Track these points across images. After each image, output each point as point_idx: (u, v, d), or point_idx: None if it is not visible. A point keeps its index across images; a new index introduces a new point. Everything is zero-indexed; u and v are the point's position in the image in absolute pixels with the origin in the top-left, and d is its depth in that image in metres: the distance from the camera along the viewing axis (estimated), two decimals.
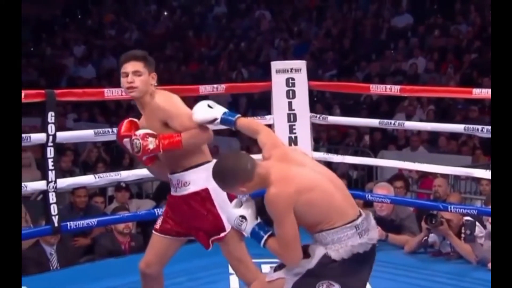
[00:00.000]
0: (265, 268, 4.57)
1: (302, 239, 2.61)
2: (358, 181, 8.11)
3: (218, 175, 2.61)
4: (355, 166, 8.27)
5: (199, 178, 3.09)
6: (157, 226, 3.26)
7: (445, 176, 6.10)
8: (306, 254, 2.62)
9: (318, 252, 2.59)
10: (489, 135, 4.69)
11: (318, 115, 5.38)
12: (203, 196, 3.11)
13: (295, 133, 5.15)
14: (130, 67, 3.09)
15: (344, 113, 9.48)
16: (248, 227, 2.62)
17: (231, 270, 4.49)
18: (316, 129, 9.06)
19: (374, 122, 5.48)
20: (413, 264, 4.83)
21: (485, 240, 4.73)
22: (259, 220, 2.63)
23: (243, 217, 2.62)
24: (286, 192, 2.51)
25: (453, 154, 8.79)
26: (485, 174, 4.94)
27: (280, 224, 2.51)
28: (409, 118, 9.78)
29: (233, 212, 2.66)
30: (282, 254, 2.57)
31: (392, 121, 5.37)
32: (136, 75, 3.08)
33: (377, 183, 5.73)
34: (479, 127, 4.66)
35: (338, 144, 9.74)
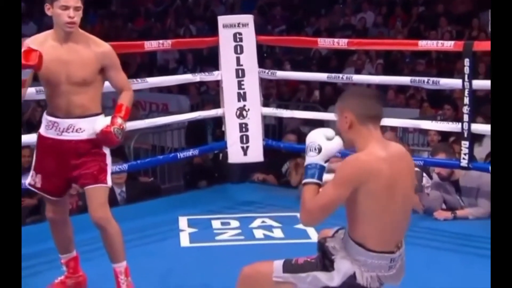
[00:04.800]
0: (216, 223, 4.62)
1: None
2: None
3: (353, 91, 2.51)
4: (306, 121, 8.29)
5: (91, 127, 3.14)
6: (39, 184, 3.24)
7: (393, 129, 6.18)
8: (328, 263, 2.40)
9: (346, 270, 2.36)
10: (435, 87, 4.75)
11: (267, 70, 5.35)
12: (95, 143, 3.14)
13: (243, 88, 5.11)
14: (72, 1, 3.04)
15: (294, 69, 9.46)
16: (313, 158, 2.38)
17: (181, 227, 4.54)
18: (266, 85, 9.06)
19: (322, 76, 5.48)
20: None
21: (431, 190, 4.84)
22: (325, 164, 2.39)
23: (320, 147, 2.38)
24: (366, 166, 2.29)
25: (401, 107, 8.89)
26: (432, 125, 5.02)
27: (333, 185, 2.30)
28: (358, 72, 9.84)
29: (319, 136, 2.41)
30: (307, 208, 2.33)
31: (341, 75, 5.37)
32: (76, 10, 3.05)
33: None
34: (425, 79, 4.71)
35: (289, 100, 9.74)
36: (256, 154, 5.20)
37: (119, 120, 3.15)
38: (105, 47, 3.19)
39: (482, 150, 6.40)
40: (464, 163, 4.39)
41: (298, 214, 4.65)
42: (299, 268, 2.43)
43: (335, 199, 2.31)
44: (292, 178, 5.77)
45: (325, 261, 2.40)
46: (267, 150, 5.32)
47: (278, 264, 2.46)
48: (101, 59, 3.14)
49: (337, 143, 2.42)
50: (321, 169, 2.38)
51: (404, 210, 2.40)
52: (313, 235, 4.36)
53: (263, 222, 4.66)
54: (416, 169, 4.74)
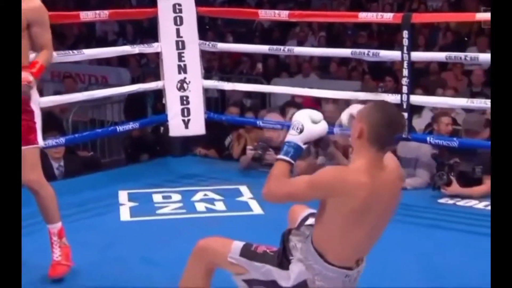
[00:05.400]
0: (157, 197, 4.57)
1: None
2: (251, 109, 8.11)
3: (383, 110, 2.30)
4: (249, 94, 8.26)
5: None
6: None
7: (336, 101, 6.21)
8: (285, 262, 2.37)
9: (299, 275, 2.34)
10: (375, 59, 4.79)
11: (207, 42, 5.27)
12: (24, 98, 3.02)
13: (184, 61, 5.04)
14: None
15: (236, 41, 9.38)
16: (293, 136, 2.35)
17: (121, 201, 4.47)
18: (208, 57, 8.96)
19: (264, 48, 5.45)
20: None
21: None
22: (304, 146, 2.36)
23: (302, 128, 2.35)
24: (346, 182, 2.22)
25: (343, 79, 8.95)
26: (372, 97, 5.05)
27: (308, 182, 2.25)
28: (300, 44, 9.83)
29: (305, 117, 2.37)
30: (272, 186, 2.32)
31: (282, 47, 5.35)
32: None
33: (269, 110, 5.77)
34: (365, 51, 4.74)
35: (231, 73, 9.68)
36: (197, 127, 5.16)
37: (28, 76, 3.00)
38: (34, 2, 3.10)
39: (421, 122, 6.52)
40: (403, 134, 4.44)
41: (240, 187, 4.78)
42: (256, 257, 2.40)
43: (301, 195, 2.30)
44: (234, 149, 5.74)
45: (283, 258, 2.38)
46: (210, 123, 5.28)
47: (237, 245, 2.44)
48: (28, 15, 3.04)
49: (321, 128, 2.39)
50: (297, 150, 2.35)
51: (372, 236, 2.36)
52: (255, 208, 4.38)
53: (205, 195, 4.63)
54: None
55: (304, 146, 2.36)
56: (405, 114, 4.42)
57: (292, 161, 2.34)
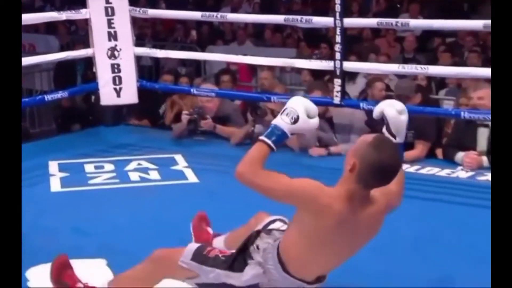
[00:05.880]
0: (89, 167, 4.46)
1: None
2: (186, 75, 8.00)
3: (384, 152, 2.18)
4: (183, 62, 8.15)
5: None
6: None
7: (271, 69, 6.19)
8: (240, 265, 2.32)
9: (253, 277, 2.30)
10: (308, 25, 4.76)
11: (138, 9, 5.13)
12: None
13: (114, 27, 4.90)
14: None
15: (170, 8, 9.19)
16: (284, 123, 2.27)
17: (51, 171, 4.35)
18: (141, 24, 8.78)
19: (196, 15, 5.35)
20: (240, 155, 4.84)
21: None
22: (288, 132, 2.28)
23: (296, 120, 2.27)
24: (321, 199, 2.17)
25: (278, 47, 8.93)
26: (306, 64, 5.05)
27: (287, 185, 2.20)
28: (234, 11, 9.75)
29: (302, 109, 2.29)
30: (247, 170, 2.22)
31: (215, 14, 5.26)
32: None
33: (204, 79, 5.70)
34: (299, 17, 4.71)
35: (165, 40, 9.52)
36: (130, 95, 5.05)
37: None
38: None
39: (356, 88, 6.58)
40: (336, 100, 4.46)
41: (175, 156, 4.71)
42: (207, 261, 2.36)
43: (274, 195, 2.23)
44: (167, 116, 5.64)
45: (236, 262, 2.33)
46: (144, 93, 5.17)
47: (190, 249, 2.39)
48: None
49: (313, 124, 2.33)
50: (282, 137, 2.28)
51: (340, 258, 2.33)
52: (190, 176, 4.34)
53: (138, 164, 4.55)
54: None
55: (290, 136, 2.30)
56: (339, 81, 4.44)
57: (274, 147, 2.27)
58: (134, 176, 4.34)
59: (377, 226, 2.32)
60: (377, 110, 2.53)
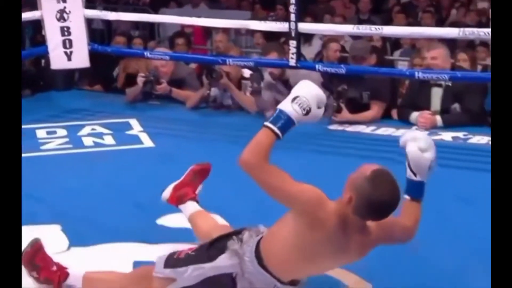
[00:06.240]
0: (40, 133, 4.36)
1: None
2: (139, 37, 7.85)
3: (373, 175, 2.11)
4: (136, 25, 7.98)
5: None
6: None
7: (226, 31, 6.11)
8: (214, 254, 2.28)
9: (229, 266, 2.26)
10: None
11: None
12: None
13: None
14: None
15: None
16: (294, 113, 2.16)
17: None
18: None
19: None
20: (196, 118, 4.87)
21: (263, 90, 4.87)
22: (296, 122, 2.18)
23: (308, 111, 2.17)
24: (320, 211, 2.13)
25: (233, 9, 8.83)
26: (261, 26, 4.98)
27: (295, 192, 2.13)
28: None
29: (314, 100, 2.19)
30: (255, 159, 2.12)
31: None
32: None
33: (158, 41, 5.59)
34: None
35: (116, 3, 9.30)
36: (81, 59, 4.95)
37: None
38: None
39: (311, 50, 6.56)
40: (292, 62, 4.43)
41: (129, 120, 4.64)
42: (178, 262, 2.30)
43: (274, 192, 2.15)
44: (120, 79, 5.53)
45: (209, 252, 2.29)
46: (97, 57, 5.06)
47: (161, 260, 2.33)
48: None
49: (318, 115, 2.23)
50: (290, 126, 2.18)
51: (319, 268, 2.32)
52: (146, 141, 4.28)
53: (92, 129, 4.48)
54: (254, 72, 4.79)
55: (296, 125, 2.20)
56: (294, 42, 4.40)
57: (280, 135, 2.16)
58: (87, 141, 4.27)
59: (364, 253, 2.29)
60: (401, 141, 2.35)
